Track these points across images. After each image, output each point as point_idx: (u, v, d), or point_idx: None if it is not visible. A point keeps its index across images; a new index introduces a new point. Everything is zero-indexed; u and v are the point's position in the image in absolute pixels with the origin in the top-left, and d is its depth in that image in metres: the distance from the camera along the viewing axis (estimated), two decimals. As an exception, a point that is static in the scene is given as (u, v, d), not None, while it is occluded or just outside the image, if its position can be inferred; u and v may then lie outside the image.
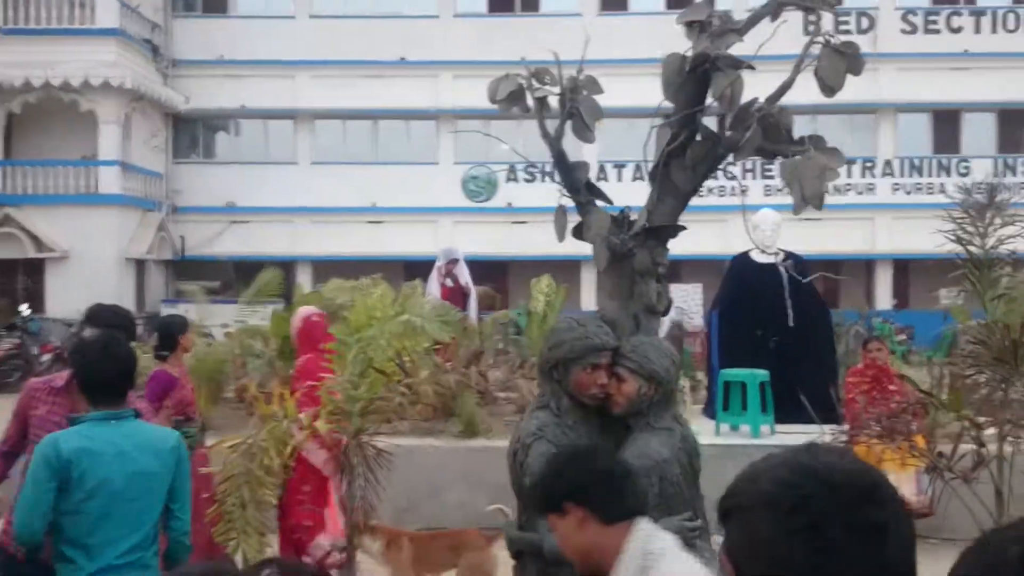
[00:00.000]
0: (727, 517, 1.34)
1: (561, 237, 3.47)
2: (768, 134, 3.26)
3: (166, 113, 28.14)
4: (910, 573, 1.28)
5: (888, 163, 28.14)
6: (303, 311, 6.86)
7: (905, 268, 28.16)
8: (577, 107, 3.36)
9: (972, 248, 4.17)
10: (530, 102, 3.41)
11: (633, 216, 3.45)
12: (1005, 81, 26.37)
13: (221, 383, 9.54)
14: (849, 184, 27.10)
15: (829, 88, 3.14)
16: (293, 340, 6.34)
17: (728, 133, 3.32)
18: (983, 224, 4.20)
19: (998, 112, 27.91)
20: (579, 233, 3.45)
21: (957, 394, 4.10)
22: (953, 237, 4.21)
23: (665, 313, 3.53)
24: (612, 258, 3.39)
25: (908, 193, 28.04)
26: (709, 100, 3.27)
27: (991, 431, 4.19)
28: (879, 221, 27.68)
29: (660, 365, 3.20)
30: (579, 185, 3.41)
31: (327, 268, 22.21)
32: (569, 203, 3.49)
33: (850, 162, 26.23)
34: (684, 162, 3.31)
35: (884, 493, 1.29)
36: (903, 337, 20.29)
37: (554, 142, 3.40)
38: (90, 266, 24.31)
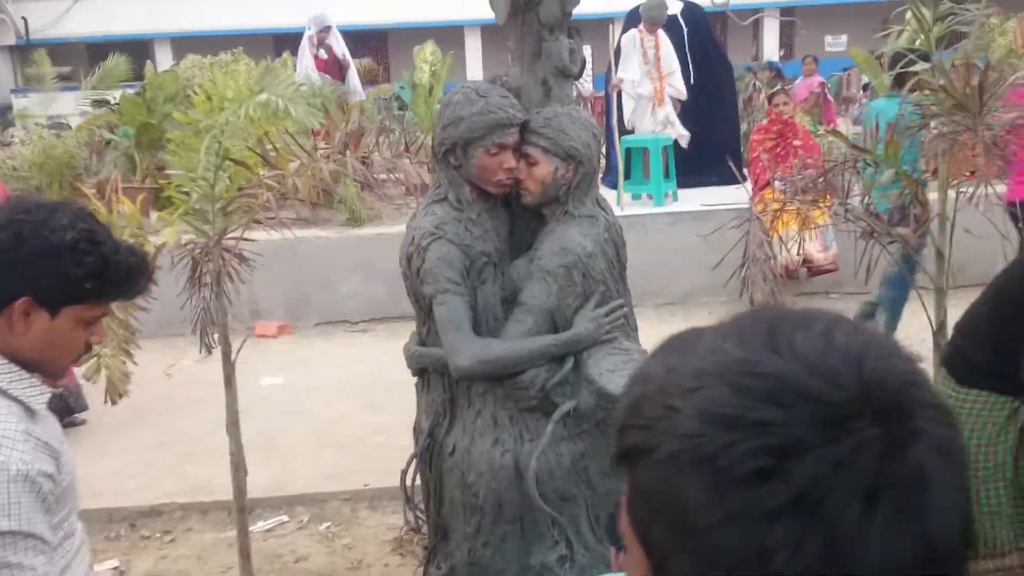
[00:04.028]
0: (628, 459, 0.70)
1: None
2: None
3: None
4: (958, 551, 0.64)
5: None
6: None
7: (791, 16, 27.67)
8: None
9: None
10: None
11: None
12: None
13: (76, 179, 8.58)
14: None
15: None
16: None
17: None
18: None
19: None
20: (470, -22, 2.75)
21: (894, 148, 3.67)
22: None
23: (579, 75, 2.92)
24: (513, 9, 2.73)
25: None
26: None
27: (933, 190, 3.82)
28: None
29: (579, 140, 2.63)
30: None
31: (187, 45, 20.48)
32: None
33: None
34: None
35: (925, 412, 0.64)
36: (789, 88, 20.13)
37: None
38: (-79, 56, 21.95)
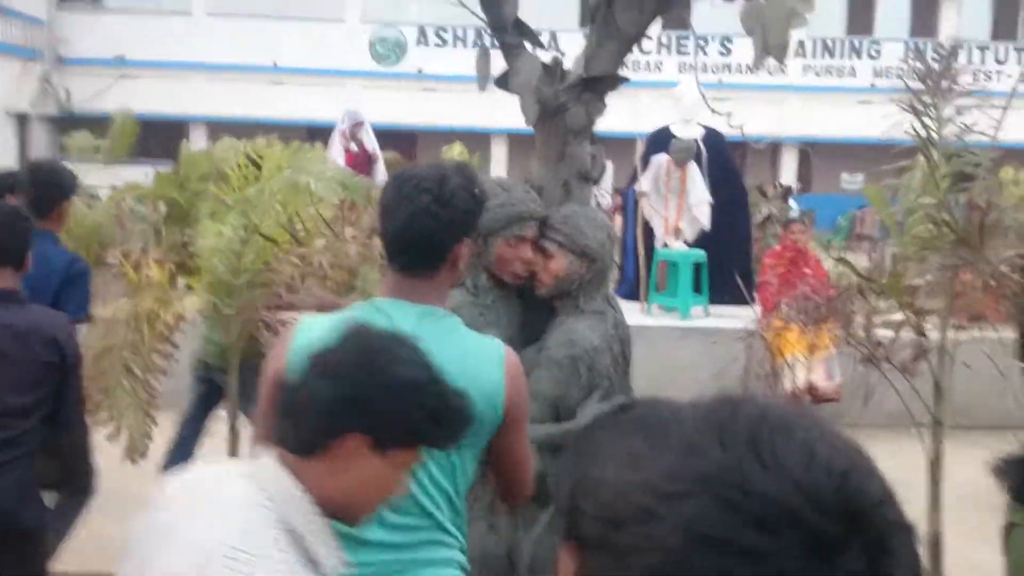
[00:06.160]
0: (581, 541, 0.68)
1: (482, 85, 2.96)
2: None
3: (47, -48, 25.93)
4: None
5: (801, 43, 27.82)
6: None
7: (807, 151, 28.35)
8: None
9: (927, 120, 3.78)
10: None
11: (566, 64, 2.94)
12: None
13: (101, 248, 8.80)
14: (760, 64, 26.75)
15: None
16: None
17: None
18: (940, 98, 3.81)
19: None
20: (504, 82, 2.94)
21: (899, 279, 3.79)
22: (908, 108, 3.81)
23: (598, 180, 3.07)
24: (542, 113, 2.90)
25: (818, 75, 27.90)
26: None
27: (933, 321, 3.93)
28: (788, 103, 27.49)
29: (594, 239, 2.76)
30: (507, 22, 2.87)
31: (223, 130, 21.04)
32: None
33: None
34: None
35: (898, 535, 0.65)
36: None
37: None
38: (-35, 120, 22.66)
